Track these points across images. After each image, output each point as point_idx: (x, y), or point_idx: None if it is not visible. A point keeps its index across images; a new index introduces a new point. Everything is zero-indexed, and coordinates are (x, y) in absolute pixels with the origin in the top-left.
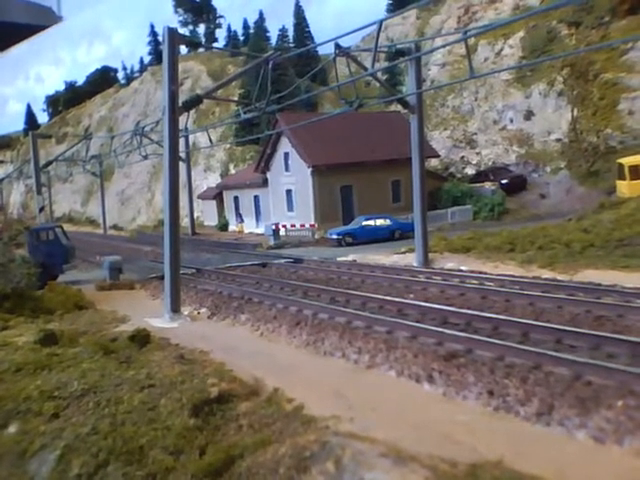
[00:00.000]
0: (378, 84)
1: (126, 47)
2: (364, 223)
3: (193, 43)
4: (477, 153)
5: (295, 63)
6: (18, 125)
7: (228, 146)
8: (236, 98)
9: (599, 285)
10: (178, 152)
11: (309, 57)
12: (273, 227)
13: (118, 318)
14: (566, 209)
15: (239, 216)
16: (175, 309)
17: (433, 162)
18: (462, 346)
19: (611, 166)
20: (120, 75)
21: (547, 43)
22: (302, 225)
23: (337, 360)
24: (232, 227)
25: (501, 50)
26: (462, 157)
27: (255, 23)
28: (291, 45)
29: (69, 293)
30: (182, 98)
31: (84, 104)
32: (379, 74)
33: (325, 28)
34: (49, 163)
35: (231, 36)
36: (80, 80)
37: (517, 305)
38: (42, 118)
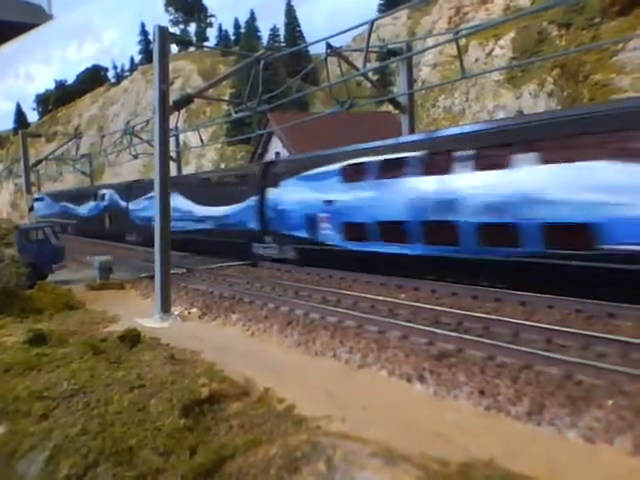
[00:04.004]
0: (369, 84)
1: (117, 46)
2: None
3: (184, 42)
4: None
5: (286, 63)
6: (7, 124)
7: (219, 146)
8: (227, 98)
9: None
10: (169, 151)
11: (300, 57)
12: None
13: (108, 318)
14: None
15: None
16: (166, 309)
17: None
18: (453, 346)
19: None
20: (110, 74)
21: (538, 44)
22: None
23: (328, 360)
24: None
25: (492, 51)
26: None
27: (246, 22)
28: (282, 45)
29: (59, 293)
30: (173, 97)
31: (74, 103)
32: (370, 74)
33: (316, 28)
34: (39, 162)
35: (222, 35)
36: (70, 79)
37: (508, 305)
38: (32, 117)
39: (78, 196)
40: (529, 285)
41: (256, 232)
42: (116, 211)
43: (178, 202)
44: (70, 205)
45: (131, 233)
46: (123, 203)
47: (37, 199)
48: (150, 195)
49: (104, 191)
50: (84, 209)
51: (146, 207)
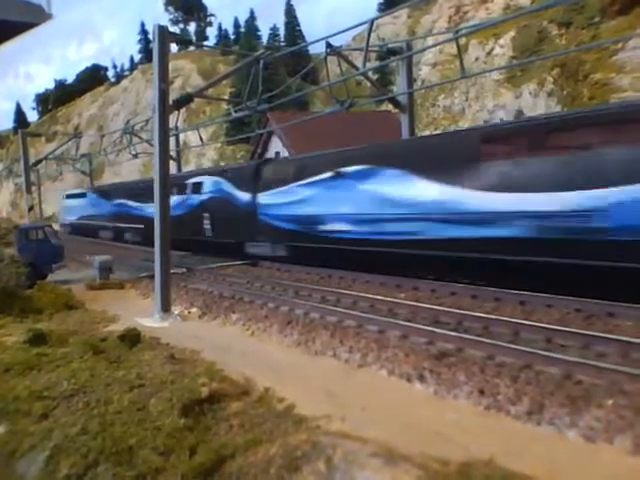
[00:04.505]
0: (369, 83)
1: (116, 45)
2: None
3: (184, 41)
4: None
5: (286, 62)
6: (7, 123)
7: (219, 145)
8: (227, 97)
9: None
10: (168, 151)
11: (300, 56)
12: None
13: (108, 317)
14: None
15: None
16: (166, 308)
17: None
18: (453, 345)
19: None
20: (110, 73)
21: (538, 43)
22: None
23: (328, 359)
24: None
25: (492, 50)
26: None
27: (246, 22)
28: (282, 44)
29: (58, 292)
30: (172, 97)
31: (74, 102)
32: (370, 73)
33: (316, 27)
34: (39, 162)
35: (222, 35)
36: (70, 78)
37: (507, 304)
38: (32, 116)
39: (145, 190)
40: None
41: None
42: (227, 208)
43: (405, 187)
44: (131, 203)
45: (261, 241)
46: (244, 196)
47: (72, 195)
48: (308, 181)
49: (200, 179)
50: None
51: (298, 202)
